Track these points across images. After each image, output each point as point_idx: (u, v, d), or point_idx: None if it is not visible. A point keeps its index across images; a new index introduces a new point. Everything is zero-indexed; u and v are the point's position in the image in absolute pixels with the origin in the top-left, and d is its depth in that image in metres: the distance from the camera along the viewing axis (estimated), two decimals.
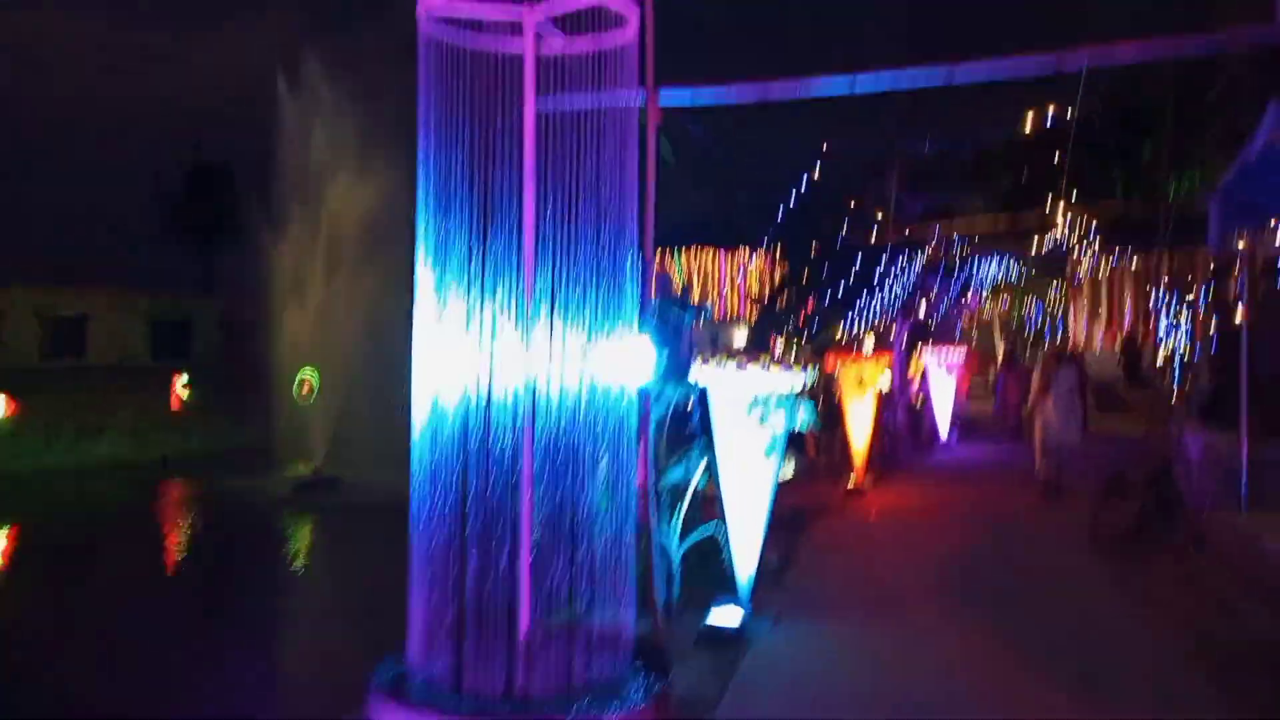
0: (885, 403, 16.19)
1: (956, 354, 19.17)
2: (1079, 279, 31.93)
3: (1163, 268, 18.66)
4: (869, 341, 16.87)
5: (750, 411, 6.36)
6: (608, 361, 4.73)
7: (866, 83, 6.17)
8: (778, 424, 6.41)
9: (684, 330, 7.02)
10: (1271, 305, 14.12)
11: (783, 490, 12.73)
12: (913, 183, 16.93)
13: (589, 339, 4.45)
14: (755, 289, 36.02)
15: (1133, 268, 25.39)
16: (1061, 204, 16.58)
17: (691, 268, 45.96)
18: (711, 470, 6.86)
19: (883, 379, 14.02)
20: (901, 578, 8.33)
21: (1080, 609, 7.28)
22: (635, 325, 6.38)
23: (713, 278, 45.41)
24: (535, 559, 4.36)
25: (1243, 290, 8.52)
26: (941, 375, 18.86)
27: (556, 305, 4.41)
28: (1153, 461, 13.09)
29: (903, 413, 18.88)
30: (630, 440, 4.71)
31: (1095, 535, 9.83)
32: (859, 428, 13.38)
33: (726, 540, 6.76)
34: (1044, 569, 8.67)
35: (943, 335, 20.75)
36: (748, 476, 6.52)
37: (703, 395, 6.70)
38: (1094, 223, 17.49)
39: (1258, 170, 7.74)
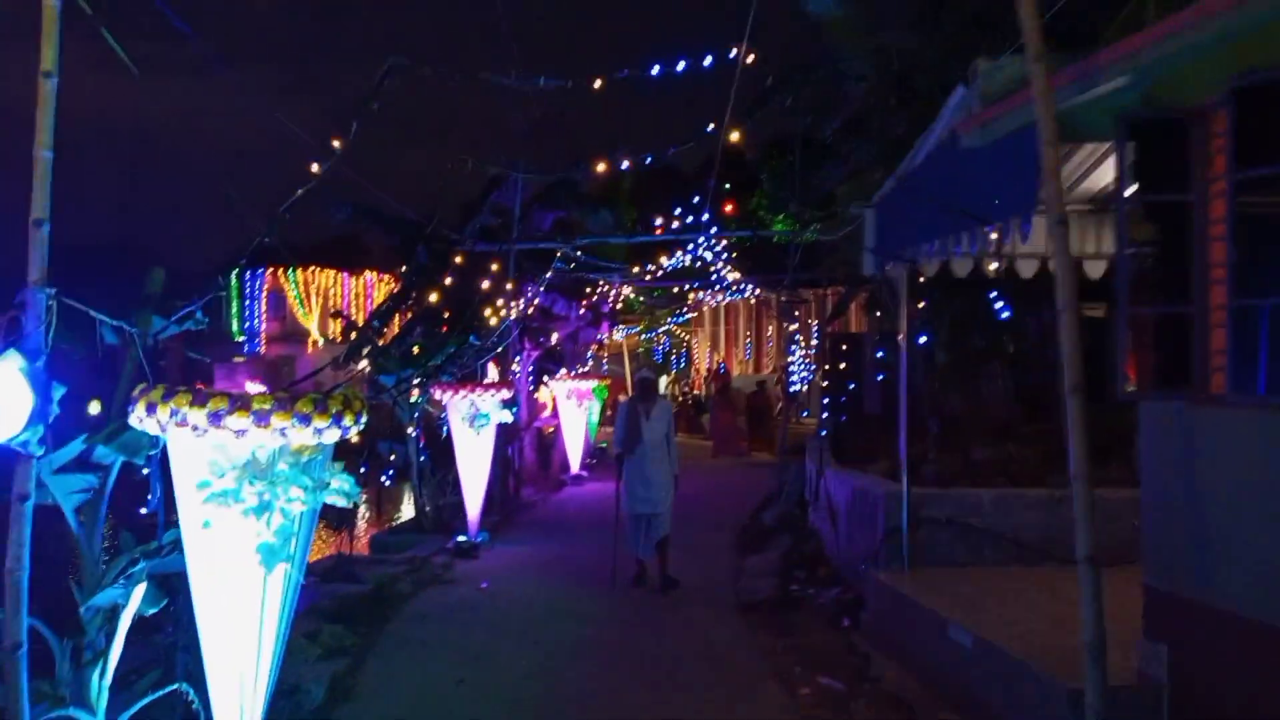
0: (510, 437, 14.17)
1: (588, 383, 17.69)
2: (700, 309, 32.62)
3: (777, 300, 18.64)
4: (491, 369, 14.71)
5: (241, 487, 3.72)
6: None
7: None
8: (293, 504, 3.82)
9: (138, 353, 4.19)
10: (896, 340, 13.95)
11: (372, 555, 9.92)
12: (541, 196, 15.07)
13: None
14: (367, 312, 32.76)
15: (750, 299, 25.96)
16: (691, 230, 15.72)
17: (310, 288, 41.58)
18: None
19: (504, 411, 11.91)
20: (502, 690, 6.06)
21: None
22: None
23: (334, 300, 41.34)
24: None
25: (900, 316, 7.36)
26: (572, 405, 17.24)
27: None
28: (786, 503, 12.17)
29: (530, 448, 17.01)
30: None
31: (740, 601, 8.29)
32: (474, 469, 11.08)
33: (205, 697, 4.03)
34: (685, 657, 6.83)
35: (574, 362, 19.19)
36: (236, 591, 3.86)
37: (165, 459, 3.95)
38: (711, 256, 16.95)
39: (923, 175, 6.55)
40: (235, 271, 41.75)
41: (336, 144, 4.80)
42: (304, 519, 3.94)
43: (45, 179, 3.51)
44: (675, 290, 25.10)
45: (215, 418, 3.65)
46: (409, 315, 14.84)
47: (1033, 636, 5.40)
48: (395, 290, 15.19)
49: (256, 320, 40.69)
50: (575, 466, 17.06)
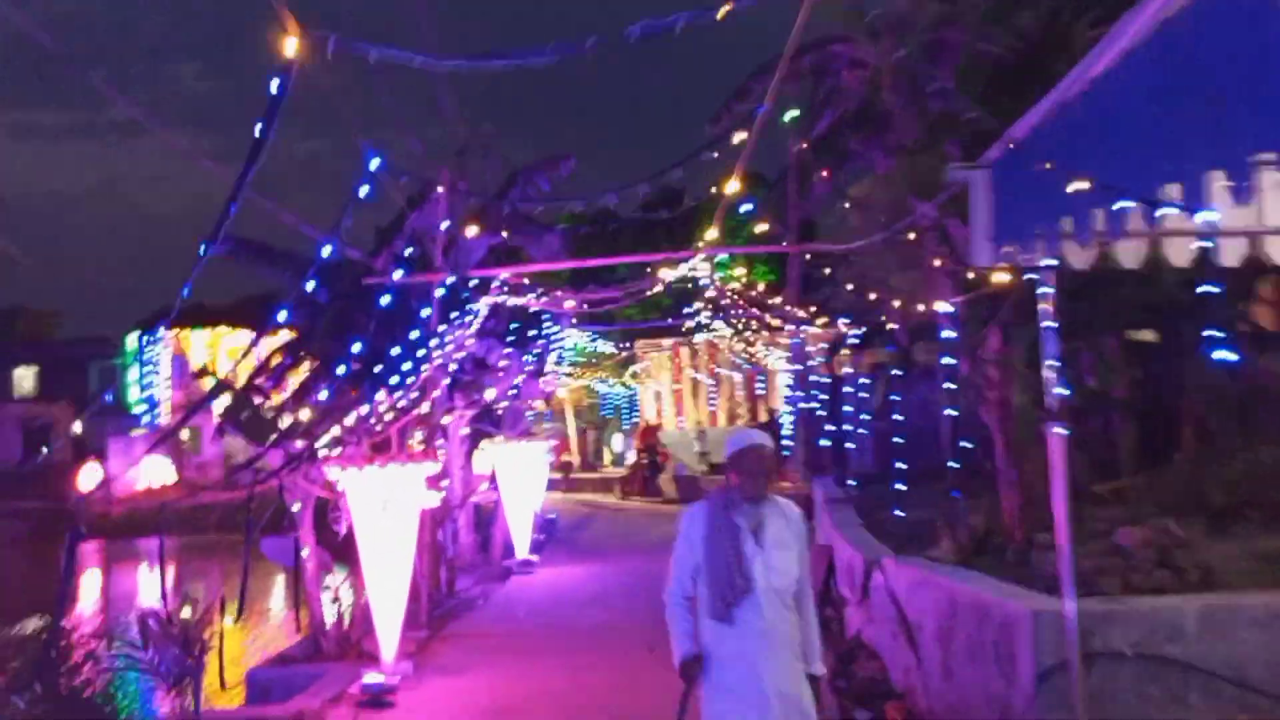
0: (439, 522, 11.20)
1: (539, 443, 14.85)
2: (652, 355, 30.01)
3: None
4: (417, 435, 11.81)
5: None
6: None
7: None
8: None
9: None
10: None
11: (244, 708, 6.94)
12: (471, 220, 12.35)
13: None
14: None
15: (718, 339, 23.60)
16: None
17: (219, 350, 37.59)
18: None
19: (430, 492, 9.05)
20: None
21: None
22: None
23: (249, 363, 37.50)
24: None
25: (1044, 335, 4.66)
26: (517, 473, 14.30)
27: None
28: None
29: (467, 531, 13.97)
30: None
31: None
32: (388, 574, 8.09)
33: None
34: None
35: (515, 421, 16.20)
36: None
37: None
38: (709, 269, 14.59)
39: (1099, 99, 3.99)
40: (137, 334, 37.79)
41: None
42: None
43: None
44: (631, 335, 22.51)
45: None
46: (306, 371, 11.90)
47: None
48: (289, 340, 12.16)
49: (157, 388, 36.59)
50: (523, 550, 14.05)
